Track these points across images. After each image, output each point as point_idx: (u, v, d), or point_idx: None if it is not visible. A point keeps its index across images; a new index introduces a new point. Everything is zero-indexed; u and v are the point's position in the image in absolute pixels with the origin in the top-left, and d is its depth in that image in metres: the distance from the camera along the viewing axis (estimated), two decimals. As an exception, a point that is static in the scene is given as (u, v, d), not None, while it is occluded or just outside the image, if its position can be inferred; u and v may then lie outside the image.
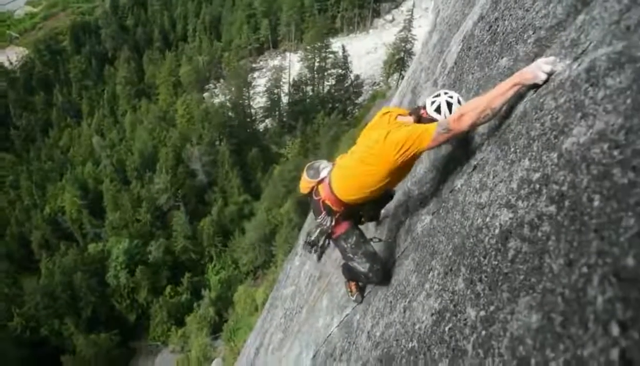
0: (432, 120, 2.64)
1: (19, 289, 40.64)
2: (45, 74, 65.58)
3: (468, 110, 2.32)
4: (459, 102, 2.65)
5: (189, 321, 34.01)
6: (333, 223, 3.18)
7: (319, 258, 3.62)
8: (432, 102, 2.72)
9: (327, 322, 4.87)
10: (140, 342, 39.31)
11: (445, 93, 2.73)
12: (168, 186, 44.37)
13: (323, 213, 3.17)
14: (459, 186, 2.75)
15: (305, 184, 3.38)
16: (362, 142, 2.97)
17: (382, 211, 4.18)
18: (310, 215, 9.57)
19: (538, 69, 2.01)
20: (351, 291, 4.06)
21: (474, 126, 2.37)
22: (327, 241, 3.36)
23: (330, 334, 4.50)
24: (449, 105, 2.65)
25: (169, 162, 45.99)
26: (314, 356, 4.72)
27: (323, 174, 3.24)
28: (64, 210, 48.31)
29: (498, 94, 2.21)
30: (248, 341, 14.82)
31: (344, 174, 3.03)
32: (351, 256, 3.26)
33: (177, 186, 44.65)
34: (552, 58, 2.01)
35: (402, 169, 2.79)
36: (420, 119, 2.75)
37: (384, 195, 3.49)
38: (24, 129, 60.17)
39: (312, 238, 3.32)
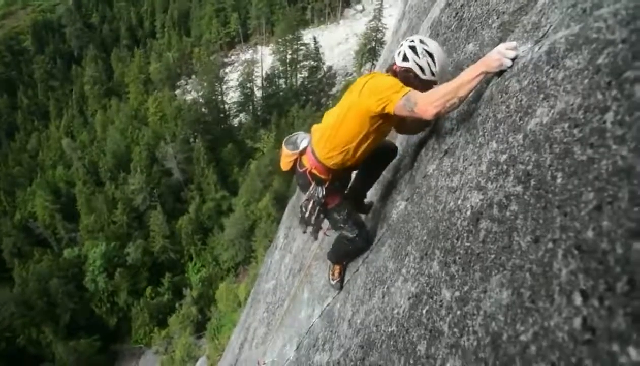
0: (406, 70, 2.61)
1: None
2: (7, 76, 63.38)
3: (434, 99, 2.27)
4: (421, 42, 2.59)
5: (171, 321, 33.70)
6: (324, 193, 3.12)
7: (316, 235, 3.60)
8: (398, 53, 2.67)
9: (308, 313, 4.90)
10: (122, 345, 38.77)
11: (407, 40, 2.67)
12: (143, 185, 43.62)
13: (313, 184, 3.11)
14: (431, 171, 2.80)
15: (286, 159, 3.28)
16: (340, 103, 2.91)
17: (366, 200, 4.05)
18: (296, 195, 9.59)
19: (502, 56, 2.01)
20: (333, 275, 4.07)
21: (439, 115, 2.35)
22: (320, 215, 3.27)
23: (312, 325, 4.54)
24: (413, 49, 2.59)
25: (143, 162, 45.20)
26: (297, 347, 4.75)
27: (303, 144, 3.14)
28: (35, 216, 46.97)
29: (465, 82, 2.17)
30: (232, 337, 14.79)
31: (323, 135, 2.96)
32: (342, 225, 3.29)
33: (152, 186, 43.96)
34: (513, 43, 2.03)
35: (377, 130, 2.74)
36: (396, 75, 2.65)
37: (369, 165, 3.38)
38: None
39: (306, 214, 3.24)
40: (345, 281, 4.03)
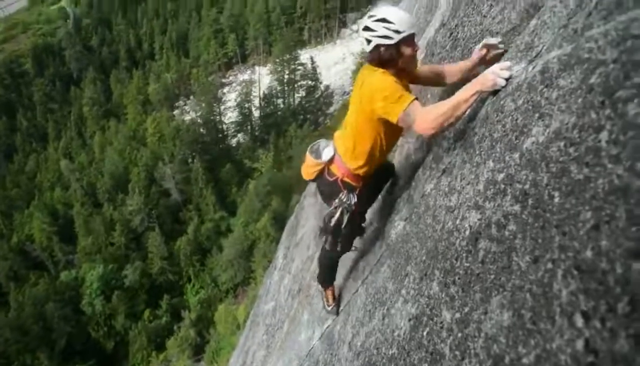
0: (380, 51, 2.47)
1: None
2: (6, 99, 63.77)
3: (432, 118, 2.28)
4: (369, 17, 2.48)
5: (169, 344, 33.29)
6: (356, 200, 3.10)
7: (334, 248, 3.47)
8: (365, 29, 2.51)
9: (308, 335, 4.85)
10: (119, 370, 38.21)
11: (369, 17, 2.51)
12: (141, 206, 43.54)
13: (344, 192, 3.07)
14: (429, 190, 2.80)
15: (310, 169, 3.20)
16: (350, 105, 2.87)
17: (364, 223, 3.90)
18: (295, 215, 9.56)
19: (496, 76, 2.03)
20: (327, 301, 4.07)
21: (436, 136, 2.42)
22: (348, 222, 3.18)
23: (312, 347, 4.49)
24: (367, 29, 2.47)
25: (142, 183, 45.21)
26: (298, 370, 4.69)
27: (327, 153, 3.08)
28: (32, 238, 46.70)
29: (461, 101, 2.19)
30: (231, 361, 14.56)
31: (348, 148, 2.92)
32: (336, 235, 3.30)
33: (150, 207, 43.86)
34: (507, 63, 2.05)
35: (391, 124, 2.55)
36: (380, 59, 2.53)
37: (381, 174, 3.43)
38: (-15, 156, 58.29)
39: (333, 222, 3.16)
40: (343, 304, 4.00)
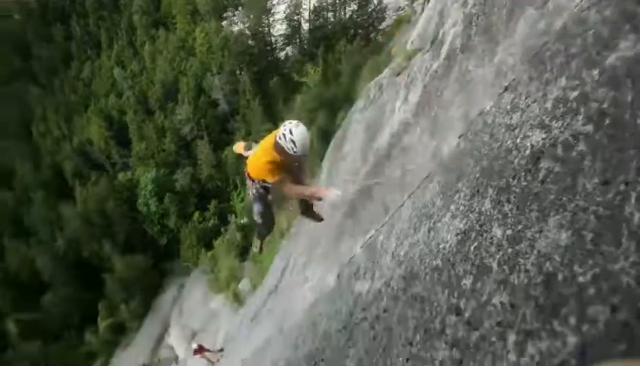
0: (282, 147, 3.79)
1: (58, 215, 42.99)
2: (61, 5, 64.27)
3: (292, 193, 4.27)
4: (290, 132, 3.72)
5: (217, 244, 35.31)
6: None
7: None
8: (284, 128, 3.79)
9: (351, 244, 5.03)
10: (172, 263, 41.58)
11: (285, 125, 3.80)
12: (190, 116, 44.49)
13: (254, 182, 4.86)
14: (488, 107, 2.70)
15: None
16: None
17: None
18: (342, 130, 9.68)
19: (330, 193, 3.90)
20: (256, 246, 6.33)
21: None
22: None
23: (353, 256, 4.67)
24: (284, 135, 3.73)
25: (191, 93, 45.76)
26: (338, 276, 4.92)
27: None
28: (91, 141, 49.43)
29: (307, 194, 4.33)
30: (274, 264, 15.50)
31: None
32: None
33: (199, 116, 44.72)
34: (339, 192, 3.92)
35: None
36: (280, 150, 3.85)
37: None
38: (45, 61, 60.19)
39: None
40: (388, 216, 4.08)
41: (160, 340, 33.38)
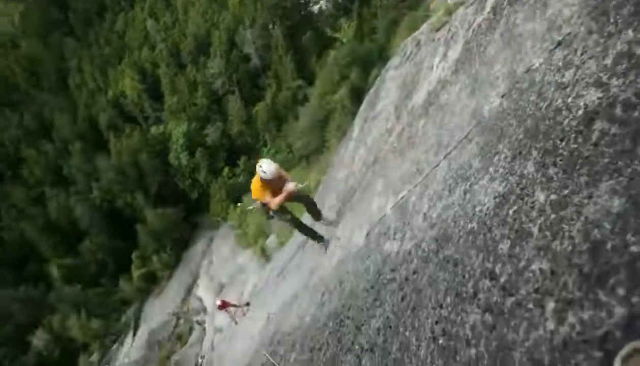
0: (260, 178, 6.00)
1: (94, 166, 44.58)
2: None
3: (273, 205, 6.05)
4: (260, 166, 5.84)
5: (246, 200, 35.93)
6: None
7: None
8: (259, 171, 5.91)
9: (381, 204, 4.98)
10: (202, 217, 42.78)
11: (260, 164, 5.85)
12: (222, 70, 44.37)
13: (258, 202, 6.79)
14: (537, 64, 2.53)
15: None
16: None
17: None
18: (375, 88, 9.53)
19: (293, 185, 5.88)
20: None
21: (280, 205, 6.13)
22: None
23: (384, 215, 4.62)
24: (260, 171, 5.85)
25: (223, 46, 45.41)
26: (367, 234, 4.91)
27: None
28: (125, 94, 50.19)
29: (282, 199, 5.95)
30: (302, 220, 15.66)
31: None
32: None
33: (231, 71, 44.55)
34: (293, 184, 5.94)
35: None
36: (260, 179, 6.00)
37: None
38: (81, 13, 60.52)
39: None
40: (422, 177, 3.99)
41: (189, 290, 34.87)
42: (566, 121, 1.84)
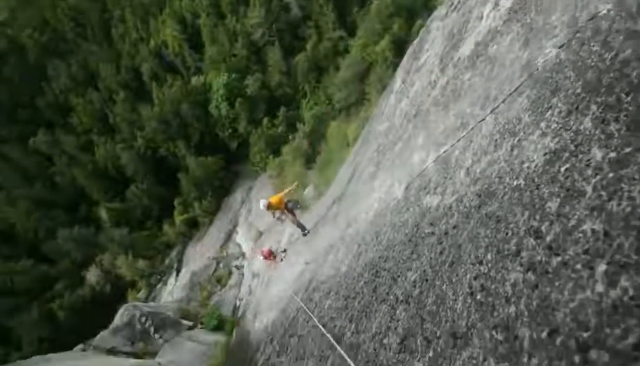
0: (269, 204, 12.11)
1: (138, 115, 45.93)
2: None
3: (287, 217, 12.79)
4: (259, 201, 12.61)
5: (284, 150, 36.19)
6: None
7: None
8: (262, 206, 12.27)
9: (422, 157, 4.88)
10: (242, 166, 43.66)
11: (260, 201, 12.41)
12: (262, 20, 43.63)
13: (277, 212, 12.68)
14: (604, 11, 2.32)
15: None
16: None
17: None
18: (419, 39, 9.19)
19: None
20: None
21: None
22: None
23: (425, 168, 4.54)
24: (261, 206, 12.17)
25: (263, -5, 44.54)
26: (407, 188, 4.85)
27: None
28: (166, 44, 50.52)
29: (290, 219, 12.76)
30: (340, 172, 15.73)
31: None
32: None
33: (271, 21, 43.75)
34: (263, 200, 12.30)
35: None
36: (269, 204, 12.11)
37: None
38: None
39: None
40: (466, 131, 3.86)
41: (229, 236, 36.27)
42: (635, 73, 1.70)
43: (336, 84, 37.27)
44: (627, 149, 1.53)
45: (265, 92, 43.24)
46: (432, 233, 3.28)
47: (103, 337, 13.82)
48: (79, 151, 48.69)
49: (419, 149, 5.13)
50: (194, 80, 47.12)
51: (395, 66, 15.64)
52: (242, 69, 44.69)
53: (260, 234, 28.70)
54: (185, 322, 15.95)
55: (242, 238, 33.41)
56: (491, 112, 3.43)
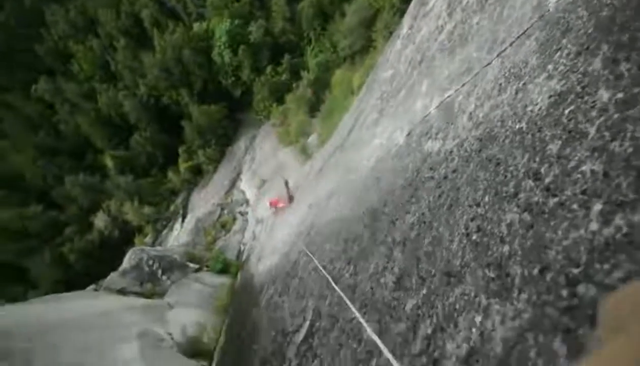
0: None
1: (139, 62, 45.15)
2: None
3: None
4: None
5: (288, 99, 35.70)
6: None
7: None
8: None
9: (425, 104, 4.81)
10: (245, 115, 43.36)
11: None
12: (265, -37, 41.92)
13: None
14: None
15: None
16: None
17: None
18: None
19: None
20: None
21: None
22: None
23: (427, 114, 4.49)
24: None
25: (266, -63, 42.47)
26: (409, 134, 4.82)
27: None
28: (167, -13, 48.91)
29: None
30: (343, 121, 15.60)
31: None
32: None
33: (274, -37, 41.99)
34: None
35: None
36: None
37: None
38: None
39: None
40: (470, 76, 3.77)
41: (233, 183, 36.60)
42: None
43: (342, 30, 36.13)
44: (636, 90, 1.50)
45: (269, 39, 42.09)
46: (432, 177, 3.29)
47: (113, 278, 14.29)
48: (82, 99, 48.19)
49: (423, 96, 5.04)
50: (196, 26, 45.78)
51: (402, 12, 15.07)
52: (246, 15, 43.29)
53: (264, 182, 28.93)
54: (191, 265, 16.46)
55: (246, 185, 33.73)
56: (497, 56, 3.34)
